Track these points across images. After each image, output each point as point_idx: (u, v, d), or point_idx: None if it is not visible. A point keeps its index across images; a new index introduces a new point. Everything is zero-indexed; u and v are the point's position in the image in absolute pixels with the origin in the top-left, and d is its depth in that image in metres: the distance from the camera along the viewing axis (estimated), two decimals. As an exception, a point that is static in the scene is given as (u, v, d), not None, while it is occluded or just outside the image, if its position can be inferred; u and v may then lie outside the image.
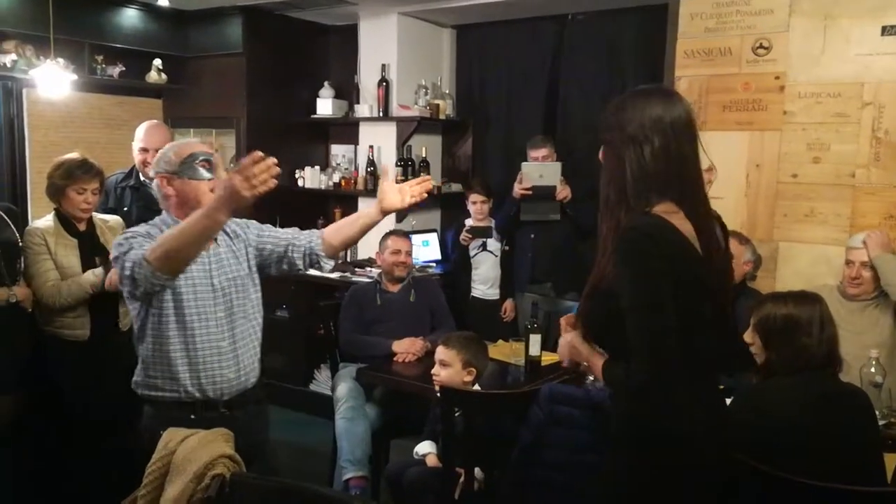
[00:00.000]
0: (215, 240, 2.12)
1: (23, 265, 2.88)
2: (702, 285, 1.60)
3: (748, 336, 2.20)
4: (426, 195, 2.18)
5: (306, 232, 2.29)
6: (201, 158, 2.11)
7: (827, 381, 2.07)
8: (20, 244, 2.86)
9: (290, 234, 2.28)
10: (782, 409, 2.01)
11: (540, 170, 3.99)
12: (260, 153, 1.73)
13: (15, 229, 2.87)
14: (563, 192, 3.96)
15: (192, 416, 2.05)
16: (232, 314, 2.13)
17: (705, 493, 1.67)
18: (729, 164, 3.60)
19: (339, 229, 2.27)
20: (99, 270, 2.92)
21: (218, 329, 2.10)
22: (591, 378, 2.60)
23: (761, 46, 3.52)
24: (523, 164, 4.07)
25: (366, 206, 4.72)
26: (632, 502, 1.67)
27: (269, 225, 2.33)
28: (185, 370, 2.07)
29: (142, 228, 2.11)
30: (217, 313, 2.10)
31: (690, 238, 1.60)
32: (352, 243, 2.45)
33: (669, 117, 1.62)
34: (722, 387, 2.80)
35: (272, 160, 1.74)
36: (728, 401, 2.48)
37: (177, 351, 2.06)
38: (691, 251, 1.60)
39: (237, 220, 2.24)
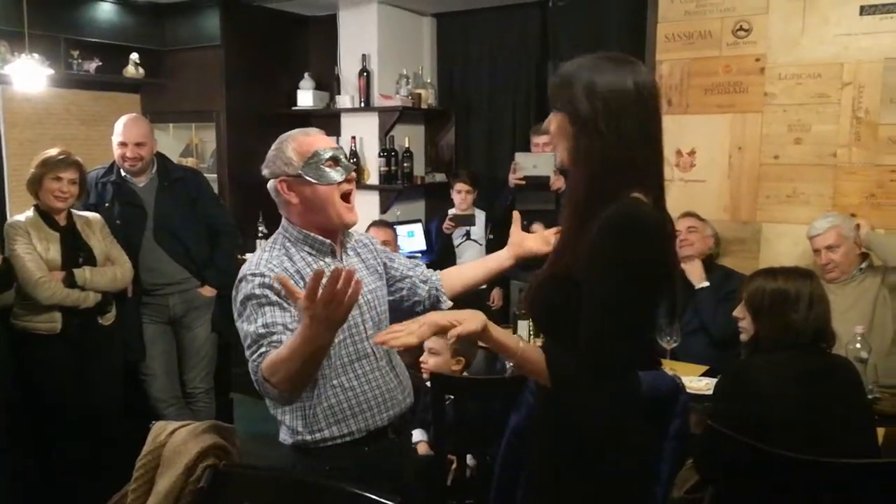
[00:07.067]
0: (343, 253, 1.90)
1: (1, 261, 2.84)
2: (667, 280, 1.45)
3: (738, 311, 2.19)
4: None
5: (421, 267, 2.09)
6: (328, 157, 1.80)
7: (814, 356, 2.04)
8: None
9: (410, 265, 2.08)
10: (768, 385, 1.99)
11: (533, 160, 3.97)
12: (338, 273, 1.40)
13: None
14: (557, 183, 3.94)
15: (366, 449, 1.84)
16: (380, 328, 1.86)
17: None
18: (711, 146, 3.62)
19: (462, 272, 2.12)
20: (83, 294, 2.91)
21: (373, 348, 1.86)
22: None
23: (741, 28, 3.53)
24: (517, 154, 4.05)
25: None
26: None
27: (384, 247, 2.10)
28: (351, 405, 1.82)
29: (267, 264, 1.74)
30: (367, 330, 1.85)
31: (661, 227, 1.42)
32: (475, 286, 2.14)
33: (637, 89, 1.38)
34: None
35: (350, 274, 1.43)
36: (708, 381, 2.55)
37: (337, 386, 1.80)
38: (668, 242, 1.47)
39: (359, 233, 2.03)
